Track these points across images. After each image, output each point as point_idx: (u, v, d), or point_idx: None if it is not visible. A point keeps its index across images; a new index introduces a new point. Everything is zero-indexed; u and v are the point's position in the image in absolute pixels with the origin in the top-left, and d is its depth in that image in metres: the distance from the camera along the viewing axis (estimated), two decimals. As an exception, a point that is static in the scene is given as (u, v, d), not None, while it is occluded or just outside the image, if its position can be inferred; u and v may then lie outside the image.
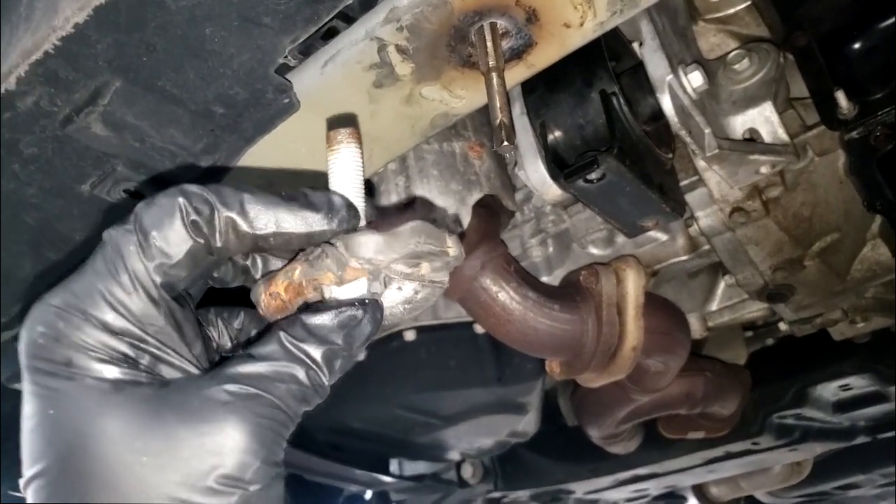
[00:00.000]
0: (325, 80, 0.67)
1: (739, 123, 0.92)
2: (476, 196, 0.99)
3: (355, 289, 0.55)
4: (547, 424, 1.75)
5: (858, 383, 1.69)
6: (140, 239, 0.49)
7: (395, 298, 0.58)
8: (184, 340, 0.52)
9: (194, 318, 0.55)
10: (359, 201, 0.57)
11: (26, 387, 0.48)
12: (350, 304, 0.53)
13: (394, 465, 1.89)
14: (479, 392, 1.31)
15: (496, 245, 1.04)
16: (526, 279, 1.05)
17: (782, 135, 0.91)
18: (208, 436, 0.46)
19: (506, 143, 0.61)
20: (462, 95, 0.73)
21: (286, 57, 0.62)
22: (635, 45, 0.90)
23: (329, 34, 0.62)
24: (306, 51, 0.63)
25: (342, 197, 0.55)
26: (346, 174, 0.56)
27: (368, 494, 2.27)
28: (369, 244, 0.53)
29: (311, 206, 0.53)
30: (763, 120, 0.91)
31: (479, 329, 1.27)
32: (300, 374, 0.50)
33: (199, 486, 0.45)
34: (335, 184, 0.57)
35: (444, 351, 1.26)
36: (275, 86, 0.64)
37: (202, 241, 0.50)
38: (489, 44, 0.64)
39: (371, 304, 0.54)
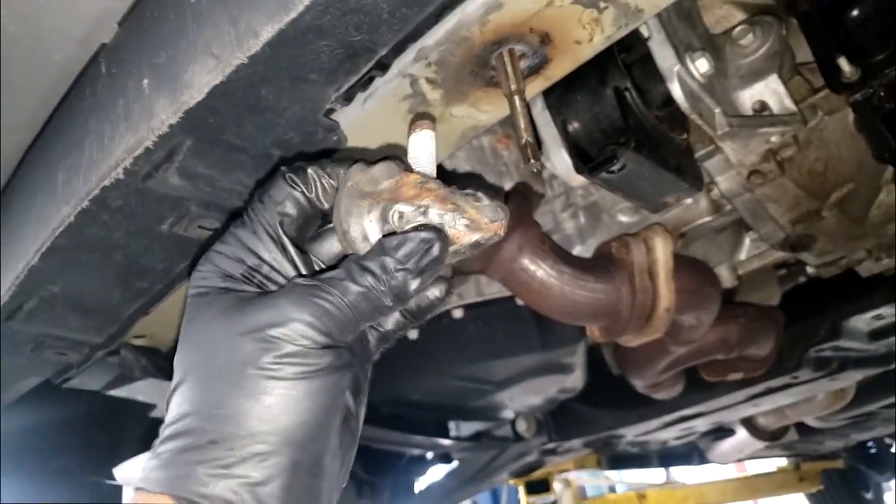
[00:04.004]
0: (365, 114, 0.76)
1: (748, 97, 0.98)
2: (507, 185, 1.07)
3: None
4: (594, 376, 1.84)
5: (890, 312, 1.74)
6: (263, 199, 0.67)
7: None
8: (294, 267, 0.67)
9: (306, 256, 0.70)
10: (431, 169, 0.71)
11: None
12: (410, 231, 0.64)
13: (452, 428, 2.01)
14: (525, 358, 1.41)
15: (530, 226, 1.12)
16: (561, 255, 1.14)
17: (789, 104, 0.96)
18: (272, 308, 0.61)
19: (532, 160, 0.69)
20: (488, 110, 0.80)
21: (332, 103, 0.70)
22: (644, 30, 0.96)
23: (368, 81, 0.70)
24: (349, 97, 0.71)
25: None
26: (422, 150, 0.70)
27: (429, 455, 2.42)
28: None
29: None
30: (770, 92, 0.97)
31: (521, 301, 1.36)
32: (358, 275, 0.62)
33: (259, 335, 0.60)
34: (413, 155, 0.71)
35: (490, 324, 1.36)
36: (324, 127, 0.72)
37: (298, 189, 0.67)
38: (509, 69, 0.71)
39: (427, 228, 0.64)
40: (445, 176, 0.73)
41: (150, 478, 0.59)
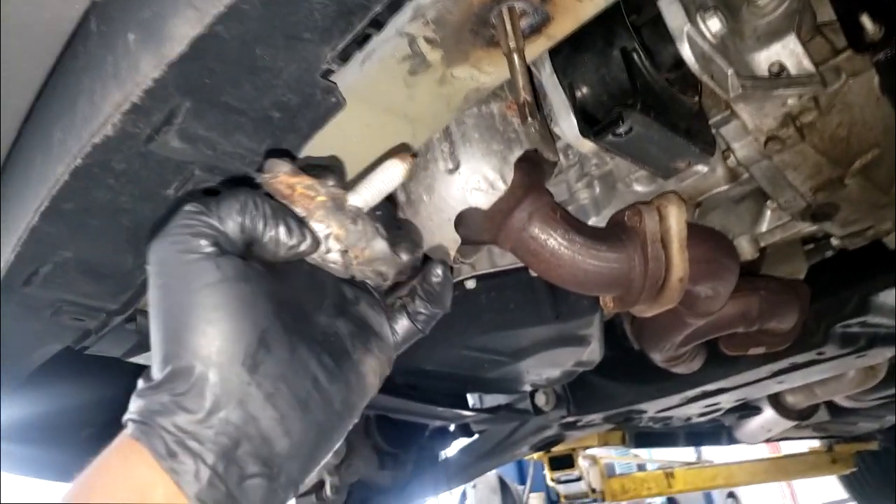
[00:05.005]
0: (364, 76, 0.75)
1: (764, 58, 0.95)
2: (517, 153, 1.06)
3: None
4: (613, 349, 1.82)
5: (922, 288, 1.69)
6: None
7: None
8: None
9: None
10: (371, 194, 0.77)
11: None
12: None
13: (472, 400, 2.02)
14: (539, 330, 1.40)
15: (541, 195, 1.11)
16: (572, 224, 1.12)
17: (807, 65, 0.93)
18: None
19: (529, 119, 0.68)
20: (490, 71, 0.79)
21: (328, 63, 0.69)
22: (656, -8, 0.93)
23: (364, 40, 0.69)
24: (346, 56, 0.70)
25: None
26: (378, 177, 0.76)
27: (452, 428, 2.43)
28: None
29: None
30: (788, 52, 0.94)
31: (534, 272, 1.35)
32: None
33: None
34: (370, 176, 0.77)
35: (503, 295, 1.36)
36: (322, 88, 0.72)
37: None
38: (508, 27, 0.70)
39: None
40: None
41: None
